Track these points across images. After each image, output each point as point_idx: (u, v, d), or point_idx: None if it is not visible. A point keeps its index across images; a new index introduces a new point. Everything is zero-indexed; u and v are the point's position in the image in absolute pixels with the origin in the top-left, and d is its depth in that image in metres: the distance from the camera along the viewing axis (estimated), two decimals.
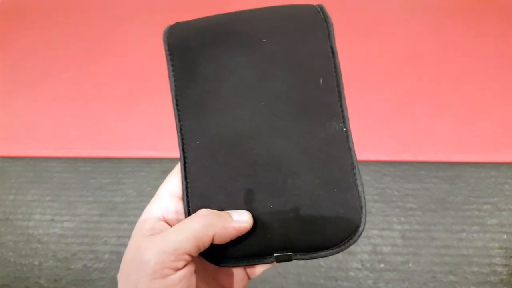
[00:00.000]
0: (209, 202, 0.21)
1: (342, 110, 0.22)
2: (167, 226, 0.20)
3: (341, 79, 0.23)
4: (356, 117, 0.65)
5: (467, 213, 0.53)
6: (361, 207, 0.21)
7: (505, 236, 0.50)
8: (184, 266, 0.18)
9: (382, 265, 0.49)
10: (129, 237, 0.57)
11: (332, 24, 0.24)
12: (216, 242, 0.19)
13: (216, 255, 0.21)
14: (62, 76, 0.77)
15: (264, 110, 0.22)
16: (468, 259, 0.49)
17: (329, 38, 0.23)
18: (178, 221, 0.20)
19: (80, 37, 0.85)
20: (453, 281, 0.47)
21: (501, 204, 0.53)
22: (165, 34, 0.24)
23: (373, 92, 0.69)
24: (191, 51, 0.24)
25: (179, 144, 0.22)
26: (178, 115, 0.23)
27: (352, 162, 0.21)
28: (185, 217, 0.21)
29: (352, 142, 0.22)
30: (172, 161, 0.60)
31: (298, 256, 0.21)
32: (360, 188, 0.21)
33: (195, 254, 0.19)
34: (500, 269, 0.48)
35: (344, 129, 0.22)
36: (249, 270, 0.24)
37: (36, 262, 0.52)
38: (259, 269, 0.24)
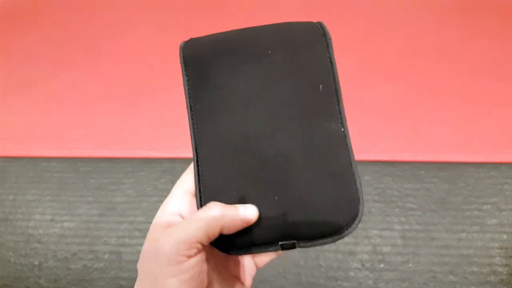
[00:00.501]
0: (220, 196, 0.23)
1: (340, 113, 0.25)
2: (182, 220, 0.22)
3: (339, 86, 0.25)
4: (356, 117, 0.65)
5: (467, 213, 0.53)
6: (359, 198, 0.23)
7: (505, 236, 0.50)
8: (196, 254, 0.20)
9: (382, 265, 0.49)
10: (129, 237, 0.57)
11: (331, 38, 0.26)
12: (225, 232, 0.21)
13: (226, 244, 0.23)
14: (62, 76, 0.77)
15: (270, 113, 0.24)
16: (468, 259, 0.49)
17: (328, 50, 0.26)
18: (191, 214, 0.23)
19: (80, 37, 0.85)
20: (453, 281, 0.47)
21: (501, 204, 0.53)
22: (181, 48, 0.27)
23: (373, 92, 0.69)
24: (203, 62, 0.26)
25: (192, 144, 0.25)
26: (192, 118, 0.25)
27: (350, 158, 0.24)
28: (197, 208, 0.23)
29: (350, 141, 0.24)
30: (172, 161, 0.60)
31: (302, 244, 0.23)
32: (357, 181, 0.23)
33: (206, 243, 0.21)
34: (500, 269, 0.48)
35: (342, 129, 0.24)
36: (256, 259, 0.26)
37: (36, 262, 0.52)
38: (266, 258, 0.26)
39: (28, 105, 0.72)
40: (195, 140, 0.25)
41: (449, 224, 0.52)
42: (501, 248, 0.49)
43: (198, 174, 0.24)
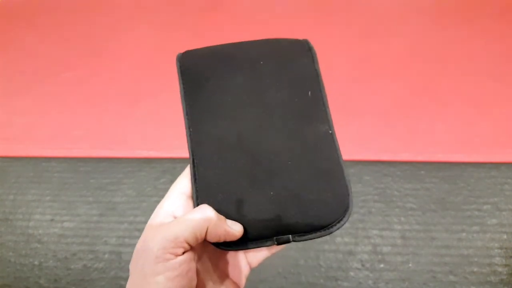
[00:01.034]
0: (215, 195, 0.24)
1: (327, 116, 0.26)
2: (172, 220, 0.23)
3: (325, 93, 0.27)
4: (356, 117, 0.65)
5: (467, 213, 0.53)
6: (348, 193, 0.24)
7: (505, 236, 0.50)
8: (183, 253, 0.20)
9: (382, 265, 0.49)
10: (129, 237, 0.57)
11: (315, 52, 0.29)
12: (207, 237, 0.22)
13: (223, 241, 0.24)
14: (62, 76, 0.77)
15: (262, 116, 0.26)
16: (468, 259, 0.49)
17: (313, 62, 0.28)
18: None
19: (80, 37, 0.85)
20: (453, 281, 0.47)
21: (501, 204, 0.53)
22: (177, 59, 0.29)
23: (373, 92, 0.69)
24: (198, 71, 0.28)
25: (188, 147, 0.26)
26: (188, 122, 0.26)
27: (338, 156, 0.25)
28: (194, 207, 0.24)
29: (337, 141, 0.26)
30: (172, 161, 0.61)
31: (296, 238, 0.24)
32: (346, 177, 0.25)
33: (193, 243, 0.21)
34: (500, 269, 0.48)
35: (330, 131, 0.26)
36: (250, 258, 0.26)
37: (36, 262, 0.52)
38: (259, 257, 0.26)
39: (28, 105, 0.72)
40: (191, 143, 0.26)
41: (449, 224, 0.52)
42: (501, 248, 0.49)
43: (195, 175, 0.25)
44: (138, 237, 0.52)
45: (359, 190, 0.56)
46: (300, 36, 0.31)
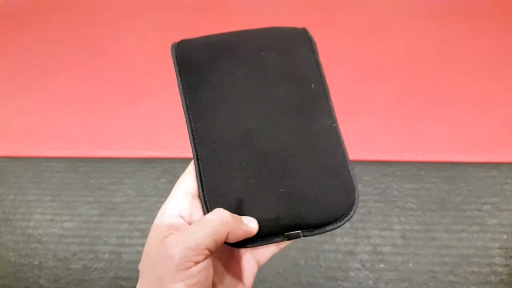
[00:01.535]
0: (224, 194, 0.24)
1: (330, 109, 0.26)
2: (184, 222, 0.23)
3: (327, 85, 0.27)
4: (356, 117, 0.65)
5: (467, 213, 0.53)
6: (354, 187, 0.24)
7: (505, 236, 0.50)
8: (203, 260, 0.20)
9: (382, 265, 0.49)
10: (129, 237, 0.57)
11: (315, 42, 0.28)
12: (229, 240, 0.22)
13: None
14: (62, 76, 0.77)
15: (266, 110, 0.25)
16: (468, 259, 0.49)
17: (313, 53, 0.28)
18: (192, 215, 0.24)
19: (80, 37, 0.85)
20: (453, 281, 0.47)
21: (501, 204, 0.53)
22: (172, 49, 0.28)
23: (373, 92, 0.69)
24: (197, 63, 0.27)
25: (191, 144, 0.25)
26: (189, 117, 0.26)
27: (343, 151, 0.25)
28: (203, 210, 0.24)
29: (341, 135, 0.26)
30: (172, 161, 0.61)
31: (306, 233, 0.24)
32: (351, 172, 0.25)
33: (213, 248, 0.21)
34: (500, 269, 0.48)
35: (334, 125, 0.26)
36: (258, 256, 0.26)
37: (36, 262, 0.52)
38: (267, 254, 0.26)
39: (28, 105, 0.72)
40: (194, 140, 0.25)
41: (449, 224, 0.52)
42: (501, 248, 0.49)
43: (200, 174, 0.24)
44: (138, 237, 0.52)
45: (359, 190, 0.56)
46: None
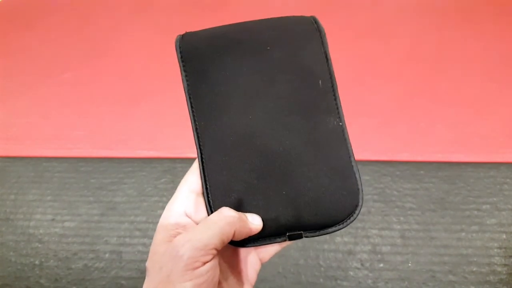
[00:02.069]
0: (228, 194, 0.24)
1: (337, 108, 0.25)
2: (190, 220, 0.23)
3: (335, 81, 0.26)
4: (356, 117, 0.65)
5: (466, 212, 0.53)
6: (358, 189, 0.24)
7: (504, 236, 0.51)
8: (211, 259, 0.21)
9: (381, 265, 0.49)
10: (129, 236, 0.57)
11: (325, 33, 0.27)
12: (234, 238, 0.22)
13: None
14: (63, 77, 0.77)
15: (272, 109, 0.25)
16: (467, 258, 0.49)
17: (322, 45, 0.27)
18: (197, 214, 0.24)
19: (80, 37, 0.86)
20: (452, 281, 0.48)
21: (500, 204, 0.54)
22: (177, 43, 0.27)
23: (373, 92, 0.69)
24: (201, 58, 0.26)
25: (195, 143, 0.25)
26: (193, 116, 0.25)
27: (349, 151, 0.25)
28: (207, 209, 0.24)
29: (348, 134, 0.25)
30: (173, 161, 0.61)
31: (308, 234, 0.24)
32: (357, 173, 0.24)
33: (220, 248, 0.21)
34: (499, 269, 0.48)
35: (340, 124, 0.25)
36: (261, 254, 0.27)
37: (37, 262, 0.52)
38: (271, 252, 0.27)
39: (29, 105, 0.72)
40: (199, 139, 0.25)
41: (448, 224, 0.52)
42: (500, 247, 0.50)
43: (204, 174, 0.24)
44: (139, 236, 0.52)
45: None
46: None
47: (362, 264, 0.50)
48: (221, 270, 0.24)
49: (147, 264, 0.22)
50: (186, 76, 0.26)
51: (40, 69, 0.79)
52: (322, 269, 0.49)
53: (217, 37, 0.26)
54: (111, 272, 0.50)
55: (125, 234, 0.53)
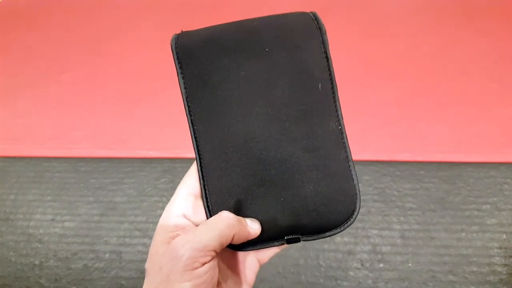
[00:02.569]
0: (226, 199, 0.24)
1: (337, 110, 0.25)
2: (189, 222, 0.24)
3: (335, 82, 0.25)
4: (356, 117, 0.65)
5: (466, 213, 0.53)
6: (356, 194, 0.24)
7: (504, 236, 0.51)
8: (210, 260, 0.21)
9: (381, 265, 0.49)
10: (129, 236, 0.57)
11: (325, 31, 0.26)
12: (233, 242, 0.23)
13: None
14: (63, 77, 0.77)
15: (271, 113, 0.25)
16: (468, 258, 0.49)
17: (323, 44, 0.26)
18: (196, 216, 0.24)
19: (81, 37, 0.86)
20: (452, 281, 0.48)
21: (500, 204, 0.53)
22: (172, 42, 0.26)
23: (373, 92, 0.69)
24: (199, 60, 0.25)
25: (194, 147, 0.25)
26: (191, 120, 0.25)
27: (347, 156, 0.25)
28: (205, 213, 0.24)
29: (346, 138, 0.25)
30: (173, 161, 0.61)
31: (306, 238, 0.25)
32: (354, 178, 0.25)
33: (219, 250, 0.22)
34: (499, 269, 0.48)
35: (339, 127, 0.25)
36: (260, 255, 0.27)
37: (36, 262, 0.52)
38: (269, 254, 0.27)
39: (29, 105, 0.72)
40: (197, 144, 0.25)
41: (449, 224, 0.52)
42: (500, 247, 0.50)
43: (203, 177, 0.25)
44: (139, 236, 0.52)
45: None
46: None
47: (362, 264, 0.49)
48: (220, 271, 0.24)
49: (147, 265, 0.22)
50: (183, 78, 0.25)
51: (40, 69, 0.79)
52: (322, 269, 0.49)
53: (214, 36, 0.26)
54: (111, 272, 0.50)
55: (125, 234, 0.53)
